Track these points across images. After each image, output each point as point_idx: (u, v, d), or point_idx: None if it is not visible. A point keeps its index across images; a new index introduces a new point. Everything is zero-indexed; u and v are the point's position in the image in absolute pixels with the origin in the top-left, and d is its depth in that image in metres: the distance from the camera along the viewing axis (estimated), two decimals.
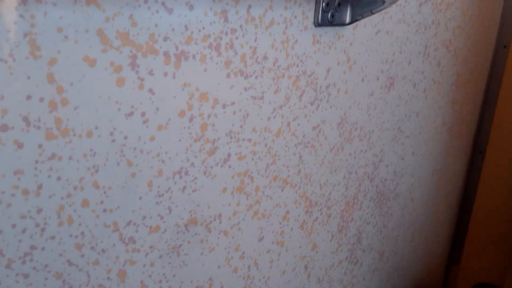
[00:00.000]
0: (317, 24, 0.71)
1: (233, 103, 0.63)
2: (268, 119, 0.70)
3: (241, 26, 0.60)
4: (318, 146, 0.82)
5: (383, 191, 1.08)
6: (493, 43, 1.37)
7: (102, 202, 0.51)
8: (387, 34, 0.88)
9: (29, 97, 0.42)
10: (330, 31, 0.74)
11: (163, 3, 0.50)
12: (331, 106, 0.81)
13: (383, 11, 0.85)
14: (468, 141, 1.47)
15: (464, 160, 1.49)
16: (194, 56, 0.55)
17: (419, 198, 1.27)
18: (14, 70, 0.40)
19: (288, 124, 0.74)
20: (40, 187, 0.45)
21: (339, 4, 0.72)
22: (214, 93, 0.60)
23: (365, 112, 0.91)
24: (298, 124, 0.76)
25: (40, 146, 0.44)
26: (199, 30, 0.55)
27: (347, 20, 0.74)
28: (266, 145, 0.71)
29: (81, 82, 0.45)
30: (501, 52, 1.40)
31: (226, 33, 0.58)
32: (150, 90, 0.52)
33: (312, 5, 0.69)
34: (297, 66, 0.71)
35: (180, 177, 0.60)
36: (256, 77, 0.65)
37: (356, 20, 0.74)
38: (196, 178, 0.62)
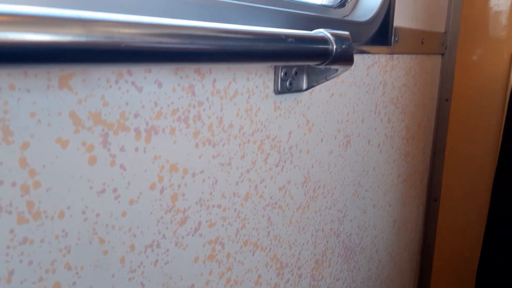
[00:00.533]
0: (277, 92, 0.75)
1: (202, 171, 0.64)
2: (236, 184, 0.71)
3: (207, 99, 0.62)
4: (285, 206, 0.84)
5: (349, 245, 1.10)
6: (435, 97, 1.48)
7: (74, 284, 0.50)
8: (340, 97, 0.94)
9: (1, 183, 0.42)
10: (289, 97, 0.79)
11: (133, 83, 0.52)
12: (294, 167, 0.84)
13: None
14: (423, 190, 1.53)
15: (421, 208, 1.55)
16: (163, 130, 0.57)
17: (383, 249, 1.30)
18: None
19: (256, 187, 0.75)
20: (11, 273, 0.43)
21: (296, 73, 0.76)
22: (184, 163, 0.61)
23: (327, 170, 0.94)
24: (265, 186, 0.78)
25: (11, 231, 0.43)
26: (168, 105, 0.57)
27: (304, 86, 0.79)
28: (235, 210, 0.72)
29: (54, 164, 0.45)
30: (444, 105, 1.51)
31: (194, 106, 0.60)
32: (122, 166, 0.53)
33: (272, 75, 0.73)
34: (261, 131, 0.74)
35: (152, 250, 0.59)
36: (223, 145, 0.67)
37: (312, 86, 0.79)
38: (168, 250, 0.61)
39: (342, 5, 0.99)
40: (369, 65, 1.03)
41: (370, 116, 1.08)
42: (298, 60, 0.61)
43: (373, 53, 1.03)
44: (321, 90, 0.88)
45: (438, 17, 1.40)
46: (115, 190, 0.52)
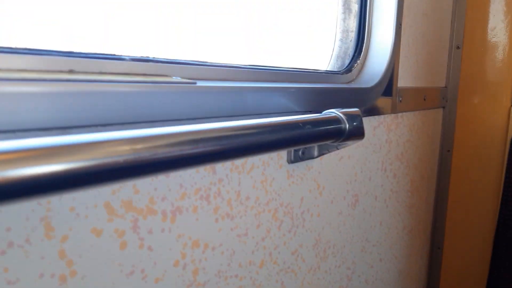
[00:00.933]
0: (290, 161, 0.78)
1: (221, 245, 0.67)
2: (252, 252, 0.73)
3: (227, 175, 0.65)
4: (297, 269, 0.86)
5: None
6: (437, 148, 1.52)
7: None
8: (348, 158, 0.98)
9: (41, 275, 0.44)
10: (301, 165, 0.82)
11: None
12: (306, 230, 0.87)
13: None
14: (427, 239, 1.55)
15: (425, 257, 1.56)
16: (187, 209, 0.60)
17: None
18: (29, 253, 0.43)
19: (270, 254, 0.78)
20: None
21: None
22: (205, 238, 0.63)
23: (336, 230, 0.97)
24: (279, 252, 0.80)
25: None
26: (192, 186, 0.60)
27: (316, 154, 0.82)
28: (251, 278, 0.74)
29: (89, 252, 0.48)
30: (446, 155, 1.55)
31: (215, 184, 0.64)
32: (149, 247, 0.55)
33: None
34: (275, 200, 0.77)
35: None
36: (240, 217, 0.70)
37: (323, 154, 0.83)
38: None
39: (348, 70, 1.04)
40: (375, 126, 1.07)
41: (377, 174, 1.11)
42: (314, 142, 0.65)
43: (379, 115, 1.07)
44: (331, 154, 0.91)
45: (438, 73, 1.46)
46: (142, 271, 0.55)
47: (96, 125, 0.46)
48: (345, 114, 0.70)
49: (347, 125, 0.69)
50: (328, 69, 1.07)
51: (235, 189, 0.68)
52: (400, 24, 1.11)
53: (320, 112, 0.78)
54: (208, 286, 0.65)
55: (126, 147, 0.38)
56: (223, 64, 0.71)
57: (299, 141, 0.61)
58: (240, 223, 0.70)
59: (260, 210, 0.74)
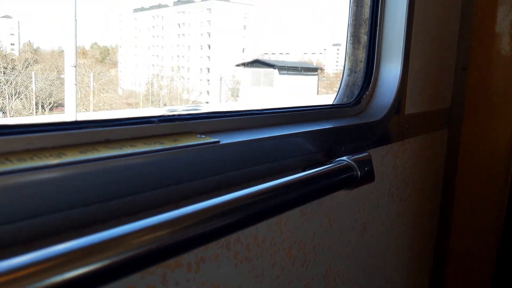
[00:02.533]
0: None
1: (239, 287, 0.70)
2: None
3: None
4: None
5: None
6: (443, 167, 1.55)
7: None
8: (358, 191, 1.01)
9: None
10: (314, 202, 0.85)
11: None
12: (318, 263, 0.90)
13: None
14: (431, 257, 1.59)
15: (428, 277, 1.60)
16: (210, 258, 0.63)
17: None
18: None
19: None
20: None
21: None
22: (225, 283, 0.67)
23: (345, 258, 1.00)
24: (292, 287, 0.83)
25: None
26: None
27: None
28: None
29: None
30: (451, 174, 1.58)
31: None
32: None
33: None
34: (289, 238, 0.80)
35: None
36: (257, 259, 0.73)
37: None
38: None
39: (357, 102, 1.07)
40: (383, 155, 1.10)
41: (384, 200, 1.15)
42: (328, 193, 0.68)
43: (386, 144, 1.10)
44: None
45: (444, 94, 1.49)
46: None
47: (130, 195, 0.50)
48: (356, 161, 0.73)
49: (359, 172, 0.72)
50: (337, 101, 1.10)
51: (252, 233, 0.71)
52: (409, 54, 1.14)
53: (332, 150, 0.81)
54: None
55: (164, 231, 0.42)
56: (240, 112, 0.74)
57: (315, 196, 0.64)
58: (257, 264, 0.73)
59: (276, 249, 0.77)
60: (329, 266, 0.94)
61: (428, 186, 1.43)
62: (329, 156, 0.85)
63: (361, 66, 1.13)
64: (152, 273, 0.55)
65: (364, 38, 1.13)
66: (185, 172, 0.57)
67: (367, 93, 1.10)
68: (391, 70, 1.12)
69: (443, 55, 1.42)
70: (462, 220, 1.60)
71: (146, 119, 0.58)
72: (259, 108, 0.79)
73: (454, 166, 1.57)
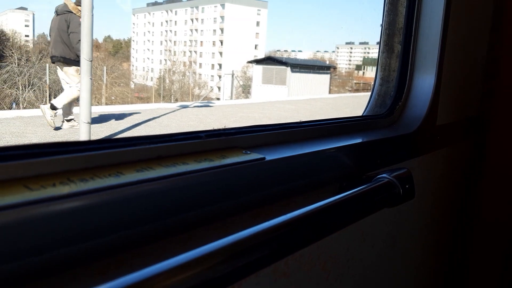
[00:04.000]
0: None
1: None
2: None
3: None
4: None
5: None
6: (470, 177, 1.53)
7: None
8: None
9: None
10: None
11: None
12: (350, 277, 0.89)
13: None
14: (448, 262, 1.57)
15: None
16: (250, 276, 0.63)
17: None
18: None
19: None
20: None
21: None
22: None
23: (376, 272, 0.99)
24: None
25: None
26: None
27: None
28: None
29: None
30: (478, 183, 1.56)
31: None
32: None
33: None
34: (325, 253, 0.80)
35: None
36: (295, 274, 0.72)
37: None
38: None
39: (390, 113, 1.06)
40: (414, 167, 1.08)
41: (413, 212, 1.13)
42: (370, 213, 0.67)
43: (417, 156, 1.09)
44: None
45: (472, 103, 1.46)
46: None
47: (183, 212, 0.49)
48: (397, 177, 0.72)
49: (401, 190, 0.71)
50: (368, 111, 1.09)
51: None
52: (443, 63, 1.12)
53: (368, 163, 0.80)
54: None
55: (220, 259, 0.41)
56: (281, 126, 0.73)
57: (358, 216, 0.63)
58: (294, 280, 0.72)
59: (312, 265, 0.76)
60: (361, 279, 0.93)
61: (454, 196, 1.42)
62: (365, 170, 0.84)
63: (394, 75, 1.12)
64: None
65: (398, 48, 1.11)
66: (232, 189, 0.56)
67: (400, 103, 1.08)
68: (425, 80, 1.10)
69: (472, 64, 1.40)
70: (487, 229, 1.58)
71: (194, 134, 0.57)
72: (298, 121, 0.78)
73: (480, 175, 1.55)
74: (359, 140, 0.84)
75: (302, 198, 0.68)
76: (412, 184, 0.74)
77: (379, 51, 1.14)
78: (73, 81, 6.26)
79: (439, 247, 1.38)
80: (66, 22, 6.14)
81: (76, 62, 6.05)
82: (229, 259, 0.45)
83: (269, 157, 0.62)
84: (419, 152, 1.09)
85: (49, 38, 7.01)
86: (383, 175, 0.73)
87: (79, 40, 5.53)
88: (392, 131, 1.01)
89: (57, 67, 6.45)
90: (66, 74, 6.35)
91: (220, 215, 0.56)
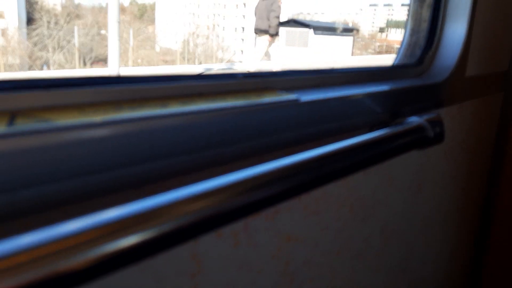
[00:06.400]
0: None
1: (307, 238, 0.74)
2: (331, 243, 0.81)
3: None
4: (366, 254, 0.93)
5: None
6: (495, 132, 1.53)
7: None
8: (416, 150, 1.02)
9: (177, 273, 0.53)
10: None
11: None
12: (376, 220, 0.93)
13: None
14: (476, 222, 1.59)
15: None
16: (284, 208, 0.67)
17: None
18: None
19: (346, 243, 0.85)
20: None
21: None
22: (296, 233, 0.71)
23: (400, 217, 1.03)
24: (352, 242, 0.87)
25: None
26: None
27: None
28: (329, 265, 0.82)
29: (213, 251, 0.56)
30: (504, 140, 1.55)
31: None
32: (255, 244, 0.63)
33: None
34: (352, 195, 0.83)
35: None
36: (324, 213, 0.76)
37: None
38: None
39: (420, 62, 1.06)
40: (442, 117, 1.09)
41: (439, 162, 1.15)
42: (401, 153, 0.70)
43: (446, 106, 1.09)
44: None
45: (502, 56, 1.44)
46: (249, 264, 0.63)
47: (222, 142, 0.53)
48: (428, 121, 0.74)
49: (432, 133, 0.73)
50: (398, 62, 1.09)
51: (321, 189, 0.74)
52: (474, 13, 1.10)
53: (397, 110, 0.82)
54: (296, 274, 0.73)
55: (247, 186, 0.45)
56: (313, 71, 0.75)
57: (388, 155, 0.66)
58: (323, 218, 0.76)
59: (340, 205, 0.80)
60: (385, 224, 0.97)
61: (480, 149, 1.42)
62: (394, 116, 0.86)
63: (424, 26, 1.11)
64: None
65: None
66: (267, 127, 0.60)
67: (429, 53, 1.08)
68: (456, 30, 1.09)
69: (506, 16, 1.37)
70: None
71: (232, 75, 0.60)
72: (330, 67, 0.80)
73: (507, 131, 1.54)
74: (389, 87, 0.86)
75: (333, 140, 0.71)
76: (442, 128, 0.76)
77: (410, 2, 1.13)
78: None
79: (464, 200, 1.40)
80: None
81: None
82: (263, 185, 0.48)
83: (303, 98, 0.64)
84: (448, 102, 1.09)
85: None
86: (414, 118, 0.75)
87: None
88: (421, 80, 1.02)
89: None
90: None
91: (255, 151, 0.59)
